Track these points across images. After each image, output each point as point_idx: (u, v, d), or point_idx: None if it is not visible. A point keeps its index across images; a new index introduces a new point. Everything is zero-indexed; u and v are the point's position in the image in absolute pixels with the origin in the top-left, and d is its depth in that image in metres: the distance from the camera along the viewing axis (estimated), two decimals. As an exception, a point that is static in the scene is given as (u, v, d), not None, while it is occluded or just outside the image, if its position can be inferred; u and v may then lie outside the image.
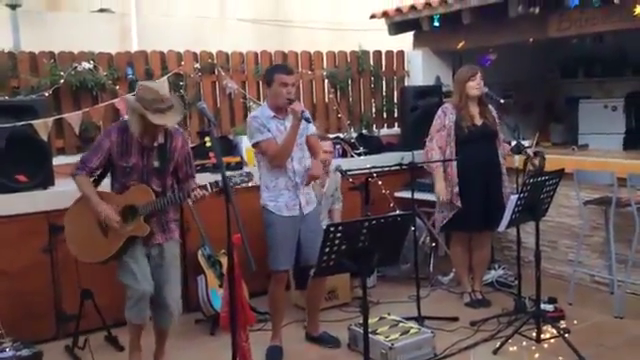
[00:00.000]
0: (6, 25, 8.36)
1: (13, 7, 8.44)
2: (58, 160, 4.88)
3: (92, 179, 3.74)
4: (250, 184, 3.63)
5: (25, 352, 3.98)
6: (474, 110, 4.88)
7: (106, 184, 3.83)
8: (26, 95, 4.86)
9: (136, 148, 3.63)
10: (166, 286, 3.76)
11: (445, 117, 4.90)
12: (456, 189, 4.83)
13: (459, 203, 4.83)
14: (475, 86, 4.80)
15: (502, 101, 4.86)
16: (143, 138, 3.63)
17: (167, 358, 4.04)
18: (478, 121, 4.86)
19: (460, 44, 6.06)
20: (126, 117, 3.74)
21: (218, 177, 3.52)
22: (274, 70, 4.12)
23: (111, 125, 3.84)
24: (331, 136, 5.96)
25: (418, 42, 6.76)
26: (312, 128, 4.21)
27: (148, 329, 3.88)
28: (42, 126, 4.54)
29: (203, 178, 4.61)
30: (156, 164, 3.67)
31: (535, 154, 4.74)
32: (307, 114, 3.96)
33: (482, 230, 4.94)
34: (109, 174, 3.80)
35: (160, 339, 3.97)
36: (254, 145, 4.11)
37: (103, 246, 3.66)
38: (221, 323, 3.83)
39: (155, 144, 3.66)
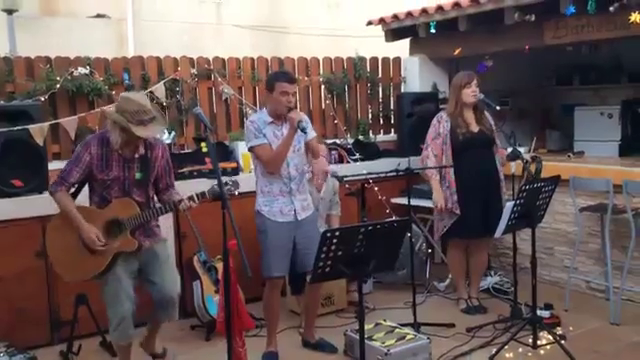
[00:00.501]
0: (2, 30, 8.36)
1: (9, 12, 8.44)
2: (53, 165, 4.86)
3: (70, 193, 3.65)
4: (236, 192, 3.61)
5: (19, 358, 3.98)
6: (470, 117, 4.88)
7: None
8: (22, 100, 4.84)
9: (117, 160, 3.57)
10: (167, 281, 3.73)
11: (439, 125, 4.90)
12: (455, 197, 4.83)
13: (458, 211, 4.82)
14: (470, 93, 4.80)
15: (498, 108, 4.86)
16: (124, 150, 3.57)
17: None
18: (474, 128, 4.87)
19: (456, 51, 6.08)
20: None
21: (205, 186, 3.55)
22: (276, 78, 4.07)
23: (89, 137, 3.73)
24: (328, 142, 5.97)
25: (414, 49, 6.78)
26: (312, 134, 4.16)
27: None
28: (38, 131, 4.53)
29: (199, 184, 4.64)
30: (138, 176, 3.61)
31: (533, 159, 4.74)
32: (304, 124, 3.90)
33: (480, 237, 4.94)
34: (86, 186, 3.71)
35: (154, 331, 3.97)
36: (249, 149, 4.11)
37: (89, 264, 3.57)
38: (218, 328, 3.82)
39: (136, 155, 3.61)
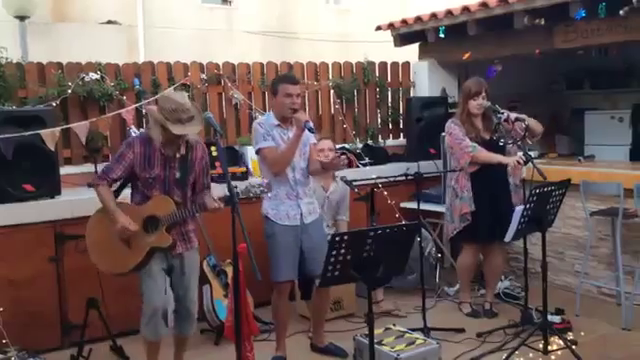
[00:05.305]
0: (14, 36, 8.43)
1: (21, 18, 8.53)
2: (65, 170, 4.90)
3: (113, 189, 3.76)
4: (269, 195, 3.65)
5: (30, 361, 3.99)
6: (478, 124, 4.87)
7: (126, 194, 3.84)
8: (34, 105, 4.89)
9: (159, 159, 3.64)
10: (188, 294, 3.80)
11: (462, 127, 4.82)
12: (470, 193, 4.79)
13: (472, 208, 4.78)
14: (476, 105, 4.76)
15: (505, 114, 4.80)
16: (165, 149, 3.64)
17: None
18: (484, 135, 4.85)
19: (466, 55, 6.07)
20: (141, 129, 3.74)
21: (220, 190, 3.56)
22: (279, 80, 4.14)
23: (132, 137, 3.83)
24: (337, 147, 5.96)
25: (424, 53, 6.78)
26: (312, 138, 4.22)
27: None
28: (49, 136, 4.56)
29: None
30: (178, 175, 3.68)
31: (516, 119, 4.63)
32: (310, 124, 3.97)
33: (492, 240, 4.91)
34: (129, 185, 3.80)
35: (180, 349, 3.99)
36: (257, 151, 4.13)
37: (125, 257, 3.66)
38: (226, 333, 3.83)
39: (177, 155, 3.68)
